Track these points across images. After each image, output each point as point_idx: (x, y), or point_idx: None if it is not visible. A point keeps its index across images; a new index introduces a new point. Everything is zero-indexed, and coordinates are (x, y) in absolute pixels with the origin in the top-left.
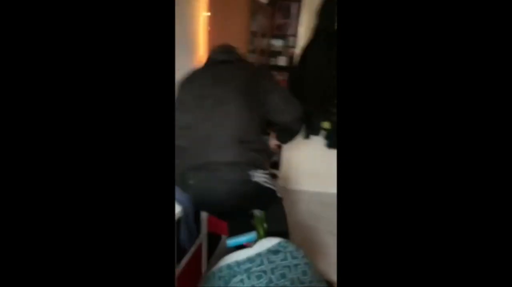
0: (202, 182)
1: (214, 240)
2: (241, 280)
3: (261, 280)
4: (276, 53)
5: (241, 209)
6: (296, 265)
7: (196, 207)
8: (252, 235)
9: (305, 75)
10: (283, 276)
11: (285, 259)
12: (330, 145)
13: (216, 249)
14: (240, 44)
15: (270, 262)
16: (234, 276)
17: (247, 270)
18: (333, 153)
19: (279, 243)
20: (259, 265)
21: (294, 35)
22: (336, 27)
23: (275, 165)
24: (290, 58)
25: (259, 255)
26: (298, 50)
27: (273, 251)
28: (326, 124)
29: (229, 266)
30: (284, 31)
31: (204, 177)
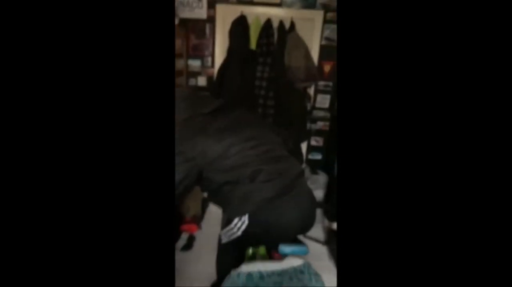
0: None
1: None
2: None
3: None
4: (196, 73)
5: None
6: None
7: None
8: (304, 248)
9: (223, 94)
10: None
11: (310, 280)
12: None
13: None
14: None
15: (299, 280)
16: (258, 285)
17: (278, 283)
18: None
19: (303, 264)
20: (289, 281)
21: (211, 55)
22: (249, 47)
23: None
24: (209, 77)
25: (286, 271)
26: (216, 70)
27: (299, 271)
28: None
29: (249, 275)
30: (200, 51)
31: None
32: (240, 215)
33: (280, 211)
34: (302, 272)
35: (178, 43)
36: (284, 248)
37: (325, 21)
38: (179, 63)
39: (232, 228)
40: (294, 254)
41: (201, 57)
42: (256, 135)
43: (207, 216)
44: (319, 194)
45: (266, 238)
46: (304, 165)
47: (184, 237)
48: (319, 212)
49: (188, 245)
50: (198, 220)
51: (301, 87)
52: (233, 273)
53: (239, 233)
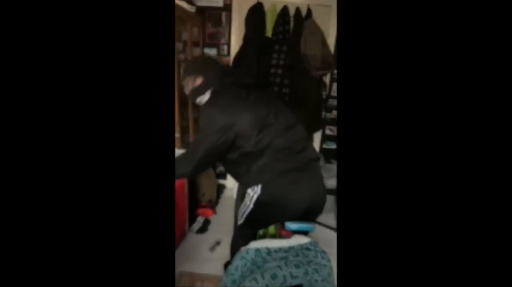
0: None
1: None
2: (278, 267)
3: (299, 269)
4: None
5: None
6: (324, 265)
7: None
8: (311, 226)
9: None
10: (316, 270)
11: (316, 257)
12: None
13: None
14: None
15: (305, 256)
16: (266, 261)
17: (284, 258)
18: None
19: (310, 242)
20: (296, 256)
21: (227, 43)
22: (265, 35)
23: (223, 175)
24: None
25: (292, 248)
26: (231, 58)
27: (306, 248)
28: None
29: (257, 250)
30: (217, 40)
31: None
32: (254, 185)
33: (291, 187)
34: (308, 249)
35: (195, 31)
36: (291, 225)
37: None
38: (196, 52)
39: (246, 202)
40: (300, 230)
41: (217, 46)
42: (285, 115)
43: (222, 201)
44: (332, 182)
45: (276, 213)
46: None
47: (200, 220)
48: (331, 199)
49: (203, 228)
50: (213, 205)
51: (317, 75)
52: (243, 249)
53: (252, 205)
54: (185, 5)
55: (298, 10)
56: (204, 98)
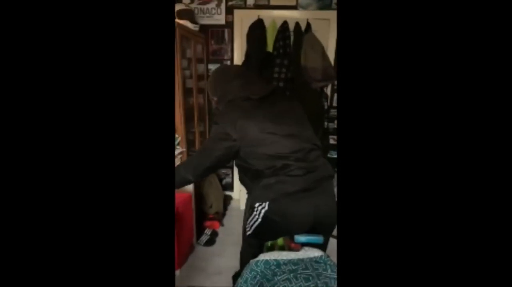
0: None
1: None
2: (288, 279)
3: (309, 283)
4: None
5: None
6: (335, 279)
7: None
8: (320, 238)
9: None
10: (326, 284)
11: (326, 270)
12: None
13: None
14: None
15: (315, 269)
16: (276, 274)
17: (293, 271)
18: None
19: (321, 256)
20: (305, 269)
21: (230, 59)
22: (266, 49)
23: (229, 186)
24: None
25: (302, 260)
26: None
27: (316, 261)
28: None
29: (267, 262)
30: (220, 56)
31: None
32: (261, 201)
33: (296, 205)
34: (318, 262)
35: (199, 48)
36: (300, 237)
37: None
38: (200, 68)
39: (255, 215)
40: (309, 243)
41: (221, 62)
42: (295, 131)
43: (229, 212)
44: (335, 191)
45: (283, 227)
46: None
47: (207, 233)
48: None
49: (211, 241)
50: (220, 217)
51: (318, 87)
52: (252, 261)
53: (260, 219)
54: (189, 24)
55: (297, 24)
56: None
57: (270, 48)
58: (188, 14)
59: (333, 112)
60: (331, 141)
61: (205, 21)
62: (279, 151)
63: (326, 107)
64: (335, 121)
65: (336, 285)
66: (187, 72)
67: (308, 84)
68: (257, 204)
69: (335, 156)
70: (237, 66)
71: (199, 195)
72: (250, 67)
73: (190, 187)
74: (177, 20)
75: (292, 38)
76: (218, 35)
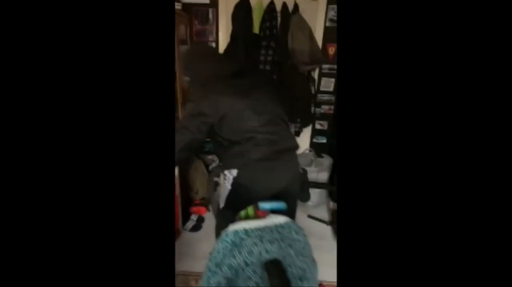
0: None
1: None
2: (254, 243)
3: (273, 245)
4: None
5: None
6: (298, 241)
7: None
8: (282, 204)
9: None
10: (290, 245)
11: (290, 233)
12: None
13: None
14: None
15: (279, 233)
16: (244, 239)
17: (260, 237)
18: None
19: (286, 221)
20: (270, 234)
21: (215, 41)
22: (252, 31)
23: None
24: None
25: (268, 227)
26: None
27: (281, 226)
28: None
29: (236, 232)
30: (204, 37)
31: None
32: (230, 168)
33: (264, 173)
34: (283, 227)
35: (182, 29)
36: (264, 205)
37: (329, 2)
38: (184, 50)
39: (225, 184)
40: (273, 209)
41: (205, 43)
42: (264, 103)
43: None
44: (323, 176)
45: (251, 194)
46: (309, 149)
47: (193, 218)
48: (323, 193)
49: (197, 226)
50: (206, 203)
51: (305, 70)
52: (222, 232)
53: (229, 186)
54: None
55: (284, 5)
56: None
57: (256, 29)
58: None
59: (320, 97)
60: (318, 126)
61: None
62: (249, 125)
63: (313, 91)
64: (322, 106)
65: (300, 246)
66: None
67: (295, 68)
68: (226, 171)
69: (322, 141)
70: (207, 45)
71: (185, 180)
72: (236, 49)
73: (175, 173)
74: None
75: (279, 19)
76: (202, 15)
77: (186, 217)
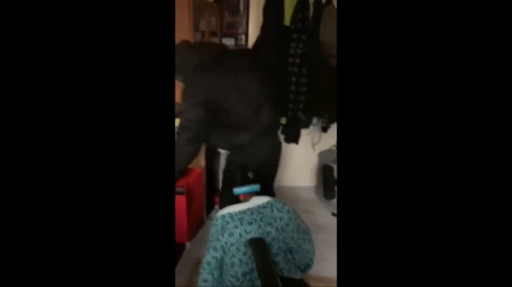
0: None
1: (176, 249)
2: (235, 226)
3: (252, 226)
4: None
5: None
6: (281, 218)
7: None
8: (256, 186)
9: None
10: (269, 223)
11: (271, 211)
12: (287, 139)
13: (180, 258)
14: None
15: (259, 213)
16: (228, 223)
17: (240, 219)
18: (292, 147)
19: (268, 201)
20: (250, 215)
21: (245, 33)
22: (283, 23)
23: None
24: None
25: (250, 209)
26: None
27: (262, 206)
28: (282, 120)
29: (223, 217)
30: (234, 30)
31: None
32: (222, 148)
33: (249, 150)
34: (264, 207)
35: (213, 21)
36: (238, 190)
37: None
38: (213, 41)
39: (220, 162)
40: (247, 193)
41: (235, 35)
42: (248, 83)
43: None
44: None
45: (241, 166)
46: (335, 145)
47: (217, 208)
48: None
49: None
50: None
51: (335, 64)
52: (213, 218)
53: (225, 162)
54: None
55: None
56: None
57: (287, 21)
58: None
59: None
60: None
61: None
62: (236, 104)
63: None
64: None
65: (282, 222)
66: None
67: (325, 61)
68: (220, 150)
69: None
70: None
71: (210, 171)
72: (266, 41)
73: (201, 163)
74: None
75: (311, 11)
76: (233, 7)
77: (210, 207)
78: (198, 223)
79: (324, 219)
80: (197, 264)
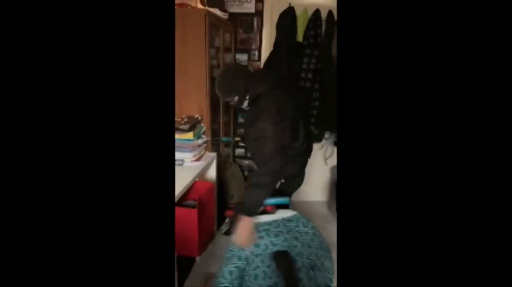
0: None
1: (186, 263)
2: (261, 237)
3: (279, 237)
4: None
5: None
6: (306, 233)
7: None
8: (286, 199)
9: None
10: (296, 238)
11: (297, 226)
12: None
13: (190, 272)
14: (201, 60)
15: (286, 226)
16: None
17: (266, 230)
18: None
19: (294, 215)
20: (277, 227)
21: (258, 48)
22: (296, 39)
23: None
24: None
25: (275, 221)
26: (262, 63)
27: (288, 220)
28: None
29: None
30: (248, 45)
31: None
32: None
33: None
34: (290, 220)
35: (227, 38)
36: (269, 200)
37: None
38: (228, 58)
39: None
40: (277, 204)
41: (248, 51)
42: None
43: None
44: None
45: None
46: None
47: (227, 222)
48: None
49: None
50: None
51: None
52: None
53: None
54: (218, 12)
55: (330, 13)
56: (244, 103)
57: (300, 37)
58: (218, 2)
59: None
60: None
61: (235, 9)
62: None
63: None
64: None
65: (308, 237)
66: (214, 62)
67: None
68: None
69: None
70: (239, 63)
71: (221, 185)
72: (279, 57)
73: (213, 177)
74: (207, 8)
75: (324, 27)
76: (247, 24)
77: (221, 221)
78: (209, 237)
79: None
80: (207, 278)
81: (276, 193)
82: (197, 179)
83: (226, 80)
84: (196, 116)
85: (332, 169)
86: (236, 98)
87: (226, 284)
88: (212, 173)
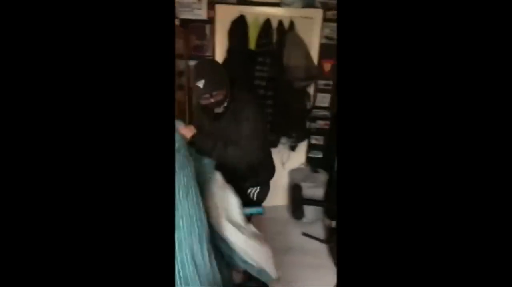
0: None
1: None
2: None
3: None
4: None
5: None
6: None
7: None
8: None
9: None
10: None
11: None
12: None
13: None
14: None
15: None
16: None
17: None
18: None
19: None
20: None
21: (211, 56)
22: (248, 47)
23: None
24: None
25: None
26: None
27: None
28: None
29: None
30: (201, 52)
31: None
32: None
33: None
34: None
35: (179, 43)
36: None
37: (325, 20)
38: (181, 64)
39: None
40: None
41: (202, 58)
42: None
43: None
44: (319, 192)
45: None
46: (303, 164)
47: None
48: (319, 210)
49: None
50: None
51: (300, 86)
52: None
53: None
54: None
55: (280, 22)
56: (224, 104)
57: (252, 45)
58: None
59: (315, 112)
60: (313, 141)
61: (186, 15)
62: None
63: (308, 107)
64: (317, 121)
65: None
66: None
67: (291, 84)
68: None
69: (318, 156)
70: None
71: None
72: (233, 64)
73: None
74: None
75: (275, 36)
76: (199, 31)
77: None
78: None
79: (295, 240)
80: None
81: (250, 202)
82: None
83: (214, 70)
84: None
85: (290, 173)
86: (223, 93)
87: None
88: None
